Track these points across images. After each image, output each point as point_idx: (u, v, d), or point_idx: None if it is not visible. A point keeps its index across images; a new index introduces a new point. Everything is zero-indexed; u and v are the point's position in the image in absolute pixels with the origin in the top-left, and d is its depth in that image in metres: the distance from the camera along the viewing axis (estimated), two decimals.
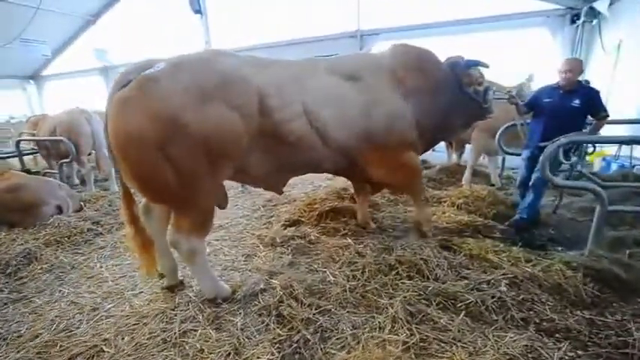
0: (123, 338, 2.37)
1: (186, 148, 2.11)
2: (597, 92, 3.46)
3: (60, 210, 4.30)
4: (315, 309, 2.43)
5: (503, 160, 5.49)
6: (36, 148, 5.86)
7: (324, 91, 2.71)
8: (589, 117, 3.53)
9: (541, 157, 2.93)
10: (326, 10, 8.86)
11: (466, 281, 2.60)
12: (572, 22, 6.63)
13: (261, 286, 2.76)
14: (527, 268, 2.65)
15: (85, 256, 3.63)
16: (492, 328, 2.19)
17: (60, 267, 3.43)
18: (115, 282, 3.15)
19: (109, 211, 4.65)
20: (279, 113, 2.48)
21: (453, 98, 3.17)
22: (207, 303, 2.63)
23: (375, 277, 2.75)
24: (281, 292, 2.57)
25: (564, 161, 3.41)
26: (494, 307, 2.32)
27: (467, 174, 5.13)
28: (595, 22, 6.48)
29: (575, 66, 3.47)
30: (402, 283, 2.63)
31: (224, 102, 2.21)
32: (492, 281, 2.56)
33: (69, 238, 3.84)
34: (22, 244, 3.65)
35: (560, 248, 3.26)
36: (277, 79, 2.53)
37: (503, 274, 2.60)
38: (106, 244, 3.87)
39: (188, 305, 2.66)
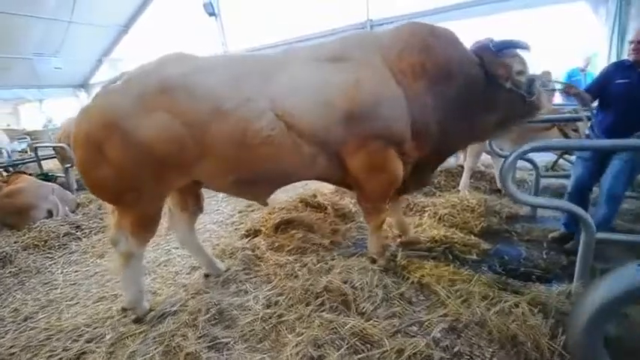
0: (27, 354, 2.32)
1: (128, 155, 2.15)
2: None
3: (50, 214, 4.51)
4: (210, 341, 2.15)
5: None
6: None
7: (297, 82, 2.33)
8: None
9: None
10: (335, 2, 8.37)
11: (395, 320, 2.10)
12: None
13: (175, 307, 2.53)
14: (478, 309, 2.06)
15: (53, 261, 3.74)
16: None
17: (27, 271, 3.56)
18: (62, 290, 3.17)
19: (96, 214, 4.79)
20: (236, 115, 2.21)
21: (481, 92, 2.50)
22: (124, 320, 2.51)
23: (296, 305, 2.37)
24: (185, 318, 2.32)
25: None
26: None
27: (464, 178, 4.39)
28: None
29: None
30: (319, 316, 2.21)
31: (166, 111, 2.15)
32: (427, 323, 2.03)
33: (46, 242, 3.99)
34: (2, 247, 3.84)
35: (552, 280, 2.54)
36: (236, 79, 2.28)
37: (443, 315, 2.05)
38: (77, 249, 3.97)
39: (106, 321, 2.55)
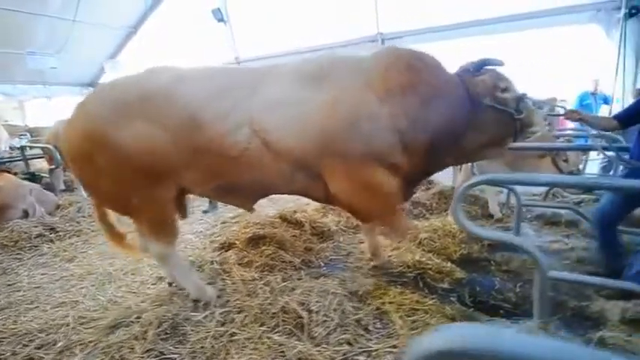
0: None
1: (117, 164, 2.28)
2: None
3: (26, 214, 4.64)
4: (156, 356, 2.19)
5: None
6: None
7: (274, 98, 2.38)
8: None
9: None
10: (347, 15, 8.56)
11: (345, 348, 2.11)
12: (631, 15, 5.42)
13: (132, 318, 2.59)
14: None
15: (21, 262, 3.83)
16: None
17: None
18: (24, 292, 3.24)
19: (74, 217, 4.90)
20: (214, 127, 2.31)
21: (466, 112, 2.56)
22: (80, 327, 2.59)
23: (251, 324, 2.39)
24: (137, 330, 2.38)
25: None
26: None
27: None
28: None
29: None
30: (269, 337, 2.23)
31: (146, 119, 2.26)
32: (375, 354, 2.05)
33: (16, 243, 4.09)
34: None
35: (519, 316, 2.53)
36: (217, 91, 2.38)
37: (393, 346, 2.07)
38: (48, 252, 4.05)
39: (60, 328, 2.62)
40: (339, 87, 2.41)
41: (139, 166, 2.27)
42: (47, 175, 6.01)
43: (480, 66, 2.59)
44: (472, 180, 2.24)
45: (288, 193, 2.88)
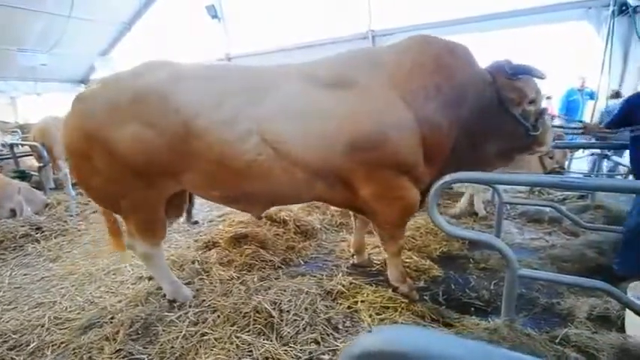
0: None
1: (107, 162, 2.23)
2: None
3: (14, 213, 4.65)
4: (123, 357, 2.20)
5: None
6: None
7: (290, 106, 2.19)
8: None
9: None
10: (338, 12, 8.55)
11: (312, 347, 2.12)
12: (620, 12, 5.39)
13: (106, 319, 2.61)
14: None
15: (4, 262, 3.83)
16: None
17: None
18: (4, 293, 3.25)
19: (62, 217, 4.90)
20: (213, 134, 2.12)
21: (490, 117, 2.38)
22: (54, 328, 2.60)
23: (223, 324, 2.40)
24: (108, 331, 2.39)
25: None
26: None
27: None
28: None
29: None
30: (239, 337, 2.24)
31: (137, 119, 2.15)
32: (340, 352, 2.05)
33: (1, 243, 4.09)
34: None
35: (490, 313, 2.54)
36: (215, 94, 2.17)
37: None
38: (33, 252, 4.05)
39: (35, 329, 2.63)
40: (363, 92, 2.23)
41: (131, 166, 2.20)
42: (33, 173, 6.01)
43: (519, 72, 2.37)
44: (446, 178, 2.16)
45: (306, 201, 2.89)
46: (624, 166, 4.28)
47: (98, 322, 2.60)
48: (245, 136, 2.12)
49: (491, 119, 2.38)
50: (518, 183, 2.29)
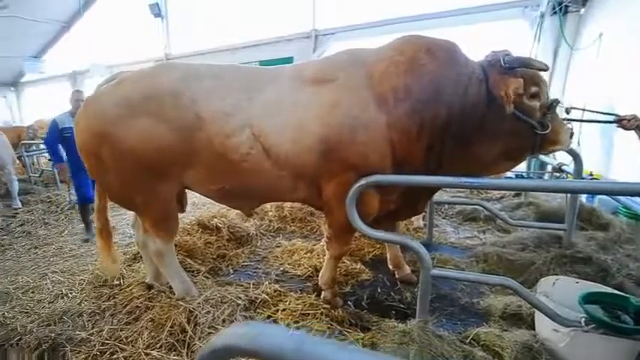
0: None
1: (120, 159, 2.36)
2: None
3: None
4: None
5: None
6: None
7: (275, 102, 2.32)
8: None
9: None
10: (283, 11, 8.75)
11: None
12: (553, 12, 5.78)
13: (13, 341, 2.51)
14: None
15: None
16: None
17: None
18: None
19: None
20: (214, 127, 2.32)
21: (481, 116, 2.24)
22: None
23: (136, 340, 2.38)
24: (14, 355, 2.33)
25: None
26: None
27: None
28: (583, 10, 5.66)
29: None
30: (148, 354, 2.23)
31: (152, 116, 2.30)
32: None
33: None
34: None
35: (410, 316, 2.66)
36: (218, 90, 2.37)
37: None
38: None
39: None
40: (340, 90, 2.27)
41: (147, 163, 2.35)
42: None
43: (515, 64, 2.19)
44: (361, 182, 2.24)
45: (292, 201, 2.96)
46: (549, 164, 4.61)
47: (4, 345, 2.50)
48: (240, 129, 2.31)
49: (482, 118, 2.25)
50: (426, 184, 2.33)
